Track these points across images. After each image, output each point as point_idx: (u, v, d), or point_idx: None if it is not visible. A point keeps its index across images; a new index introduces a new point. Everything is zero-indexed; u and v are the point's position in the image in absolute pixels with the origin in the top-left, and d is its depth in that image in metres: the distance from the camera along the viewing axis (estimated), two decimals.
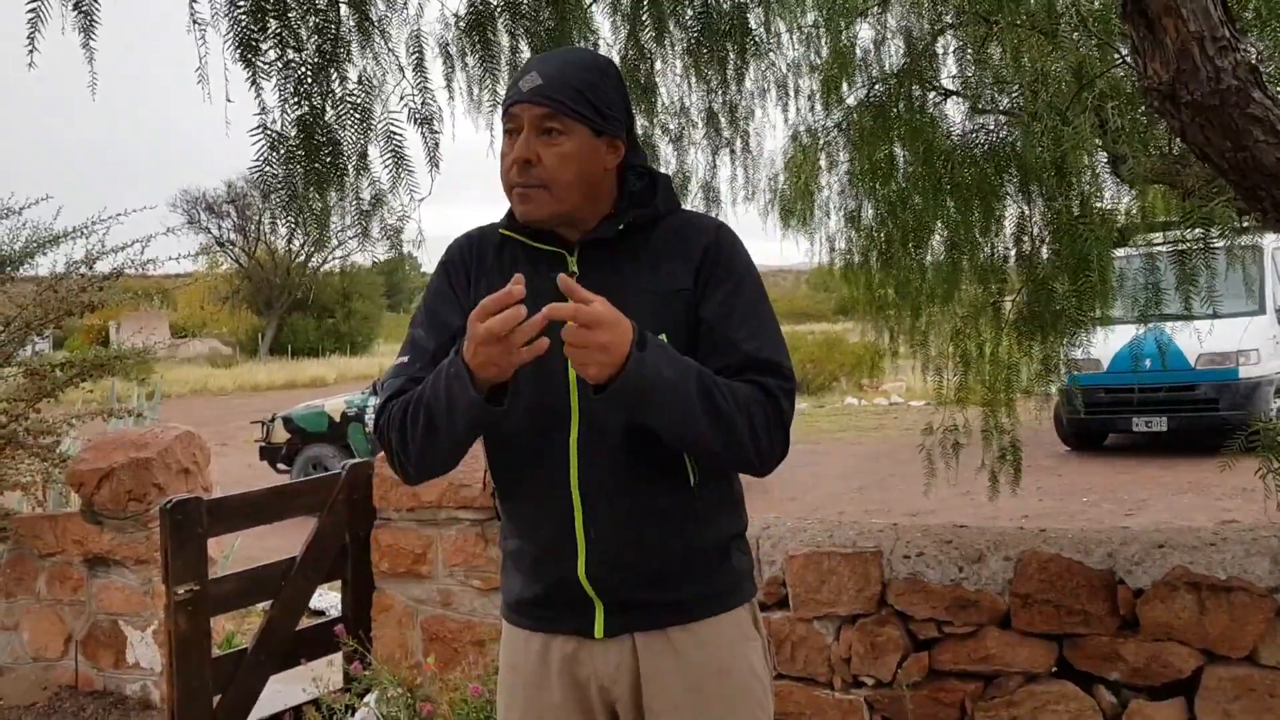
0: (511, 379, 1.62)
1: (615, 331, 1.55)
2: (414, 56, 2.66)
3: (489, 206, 1.97)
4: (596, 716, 1.82)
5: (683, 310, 1.76)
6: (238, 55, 2.25)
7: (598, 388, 1.59)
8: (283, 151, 2.42)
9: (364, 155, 2.58)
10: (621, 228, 1.77)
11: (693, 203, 4.14)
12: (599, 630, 1.77)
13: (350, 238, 3.08)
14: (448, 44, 2.88)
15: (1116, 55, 3.20)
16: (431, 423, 1.67)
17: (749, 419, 1.66)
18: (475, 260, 1.85)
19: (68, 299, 5.61)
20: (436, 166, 2.66)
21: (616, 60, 3.36)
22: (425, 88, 2.65)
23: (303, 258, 45.03)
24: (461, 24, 2.82)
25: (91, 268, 5.74)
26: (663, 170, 3.85)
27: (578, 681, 1.80)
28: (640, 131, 3.60)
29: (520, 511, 1.83)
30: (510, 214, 1.82)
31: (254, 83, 2.28)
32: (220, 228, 49.77)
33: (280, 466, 11.93)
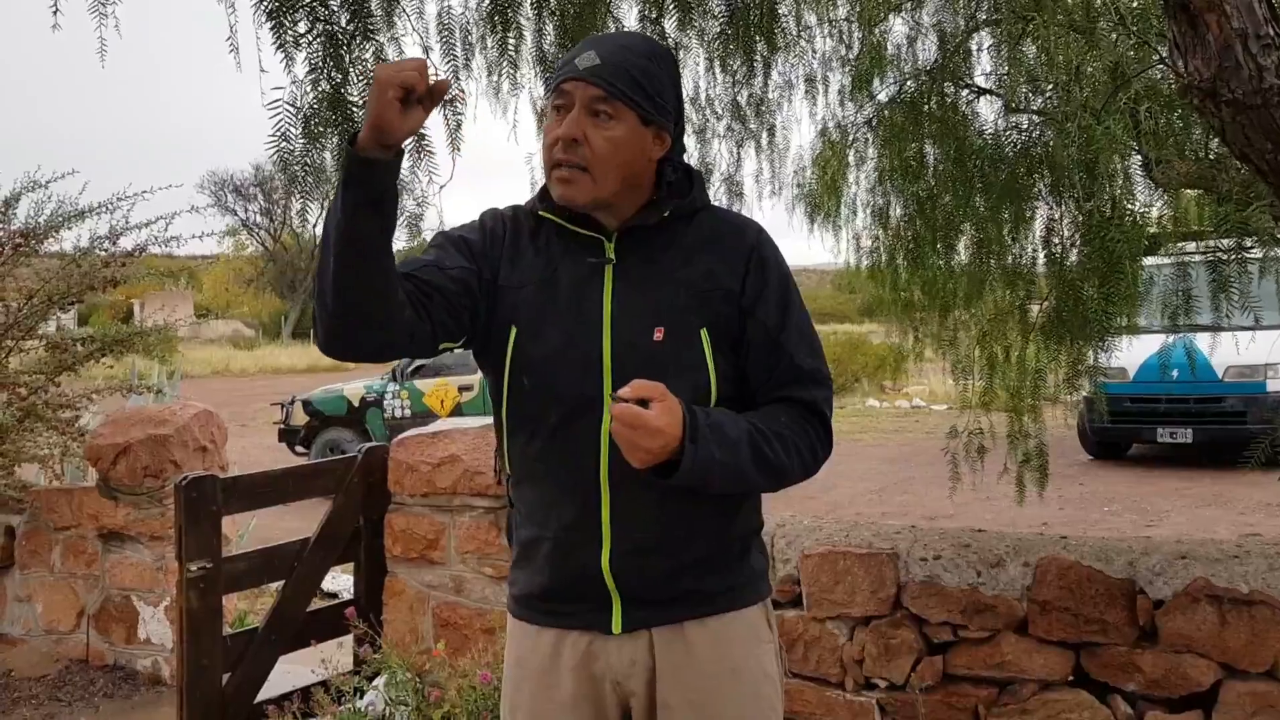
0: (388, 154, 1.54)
1: (665, 437, 1.56)
2: (441, 34, 2.63)
3: (511, 195, 1.93)
4: (609, 712, 1.78)
5: (724, 309, 1.73)
6: (266, 23, 2.23)
7: (657, 472, 1.60)
8: (303, 129, 2.39)
9: None
10: (665, 215, 1.75)
11: (715, 196, 4.10)
12: (616, 626, 1.74)
13: None
14: (469, 26, 2.84)
15: (1155, 55, 3.15)
16: (327, 223, 1.59)
17: (799, 456, 1.73)
18: (510, 235, 1.81)
19: (90, 273, 5.64)
20: (458, 150, 2.62)
21: None
22: (451, 69, 2.61)
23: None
24: (485, 7, 2.78)
25: (115, 243, 5.77)
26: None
27: (592, 678, 1.77)
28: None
29: (541, 497, 1.78)
30: (544, 194, 1.78)
31: (285, 54, 2.25)
32: (247, 210, 50.11)
33: (298, 449, 11.99)
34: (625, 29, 3.31)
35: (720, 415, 1.66)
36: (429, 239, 1.89)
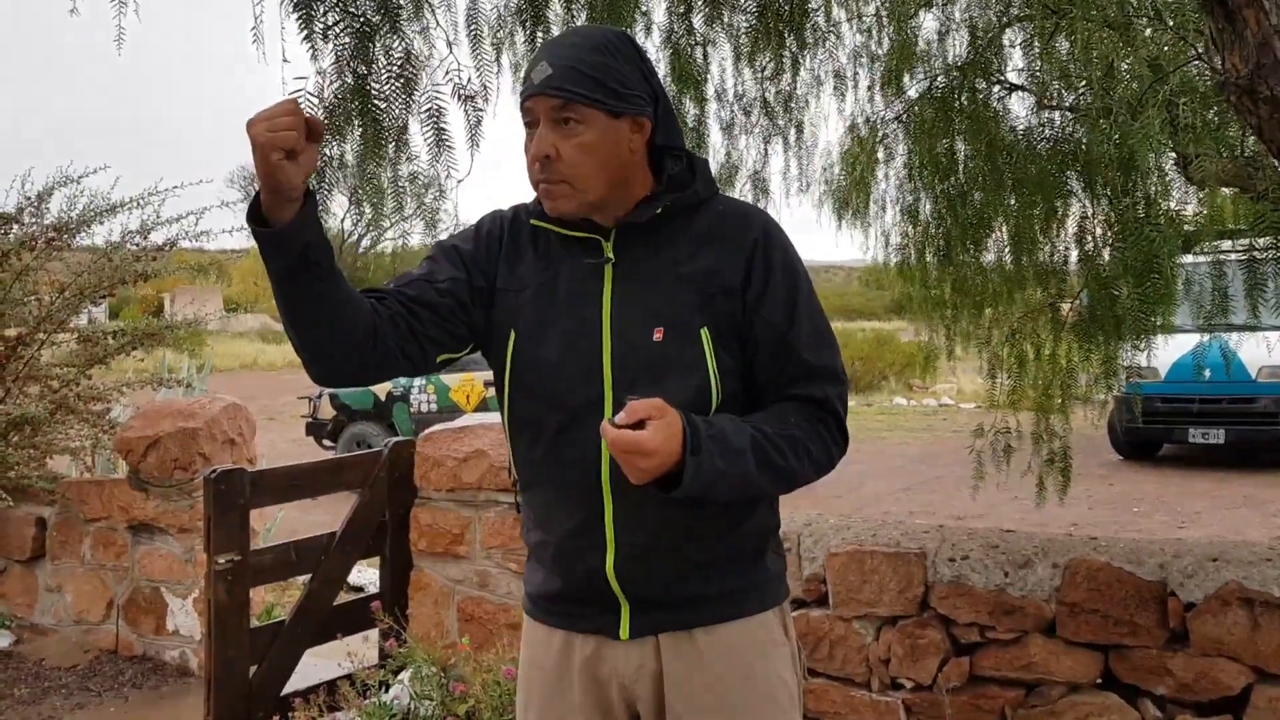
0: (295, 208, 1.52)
1: (661, 456, 1.52)
2: (470, 30, 2.62)
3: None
4: (616, 715, 1.76)
5: (727, 307, 1.69)
6: (294, 15, 2.23)
7: (660, 486, 1.57)
8: (327, 120, 2.39)
9: (404, 130, 2.54)
10: (659, 211, 1.71)
11: (741, 193, 4.08)
12: (624, 631, 1.72)
13: (404, 218, 3.05)
14: (497, 19, 2.84)
15: (1191, 51, 3.10)
16: (271, 282, 1.59)
17: (809, 457, 1.68)
18: (508, 237, 1.79)
19: (122, 267, 5.69)
20: (477, 146, 2.61)
21: (661, 45, 3.31)
22: (476, 63, 2.60)
23: (355, 237, 45.48)
24: (515, 1, 2.78)
25: (146, 238, 5.81)
26: (711, 159, 3.79)
27: (598, 681, 1.75)
28: (690, 119, 3.55)
29: (545, 502, 1.76)
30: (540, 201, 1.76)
31: (311, 45, 2.25)
32: None
33: (325, 443, 12.05)
34: (651, 23, 3.30)
35: (724, 424, 1.62)
36: (440, 236, 1.88)
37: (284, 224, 1.51)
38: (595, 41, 1.69)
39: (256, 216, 1.53)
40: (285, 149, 1.44)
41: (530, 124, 1.68)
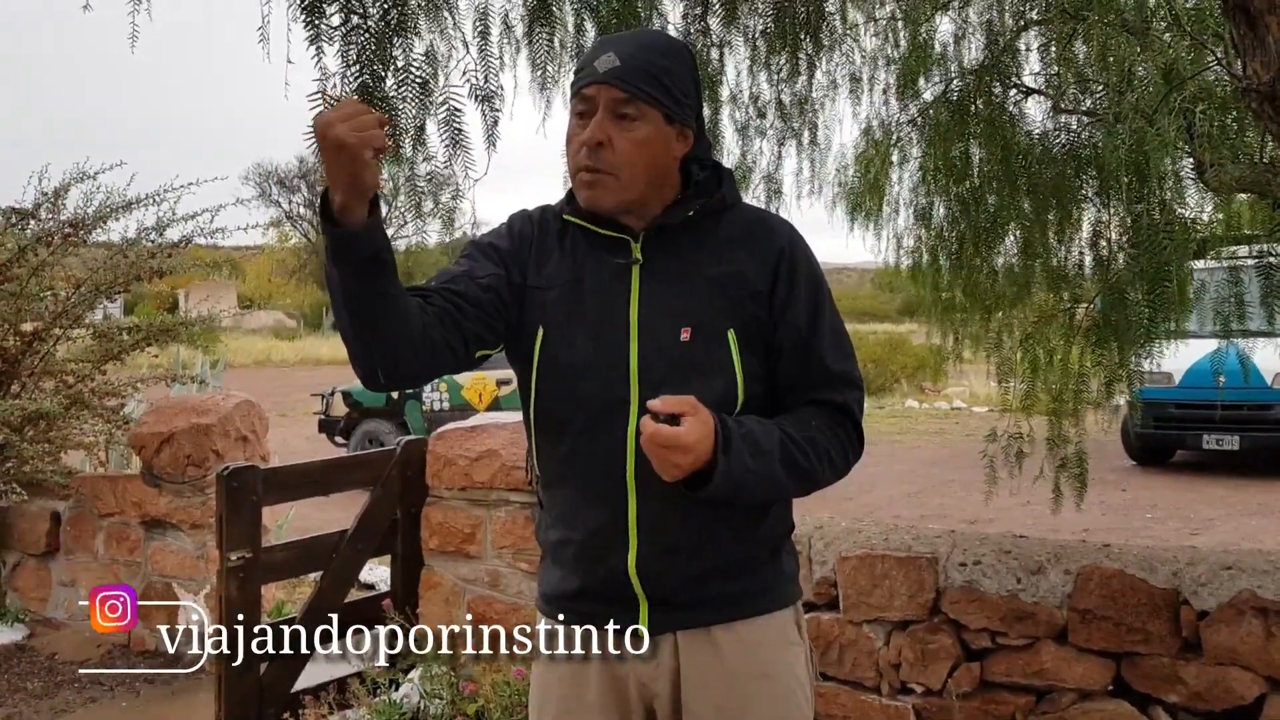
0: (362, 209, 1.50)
1: (696, 453, 1.55)
2: (480, 30, 2.62)
3: (546, 195, 1.92)
4: (634, 713, 1.77)
5: (753, 310, 1.71)
6: (300, 17, 2.23)
7: (686, 485, 1.59)
8: None
9: (421, 129, 2.55)
10: (690, 214, 1.73)
11: (754, 194, 4.07)
12: (643, 628, 1.72)
13: (414, 218, 3.05)
14: (511, 21, 2.84)
15: (1210, 56, 3.08)
16: (330, 286, 1.57)
17: (829, 460, 1.71)
18: (537, 236, 1.80)
19: (137, 264, 5.72)
20: (494, 145, 2.62)
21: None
22: (489, 64, 2.61)
23: None
24: (529, 2, 2.77)
25: (162, 234, 5.84)
26: (725, 160, 3.79)
27: (616, 678, 1.76)
28: (705, 120, 3.54)
29: (568, 500, 1.77)
30: (570, 198, 1.77)
31: (316, 47, 2.25)
32: (290, 202, 50.56)
33: (337, 440, 12.07)
34: (666, 25, 3.30)
35: (753, 424, 1.64)
36: (463, 239, 1.88)
37: (362, 223, 1.50)
38: (663, 45, 1.75)
39: (326, 220, 1.52)
40: (377, 148, 1.45)
41: (583, 113, 1.69)
